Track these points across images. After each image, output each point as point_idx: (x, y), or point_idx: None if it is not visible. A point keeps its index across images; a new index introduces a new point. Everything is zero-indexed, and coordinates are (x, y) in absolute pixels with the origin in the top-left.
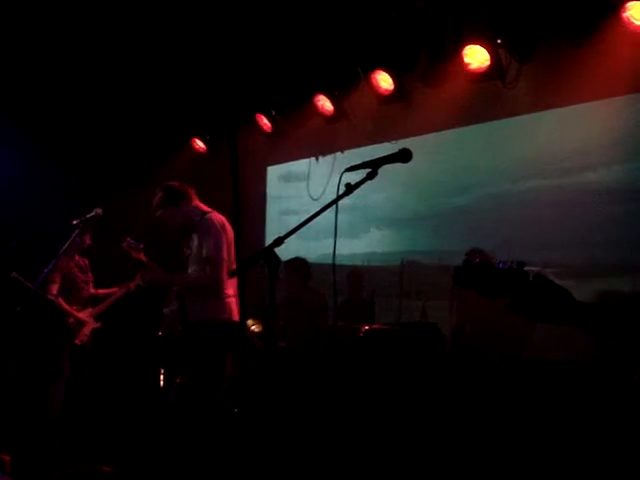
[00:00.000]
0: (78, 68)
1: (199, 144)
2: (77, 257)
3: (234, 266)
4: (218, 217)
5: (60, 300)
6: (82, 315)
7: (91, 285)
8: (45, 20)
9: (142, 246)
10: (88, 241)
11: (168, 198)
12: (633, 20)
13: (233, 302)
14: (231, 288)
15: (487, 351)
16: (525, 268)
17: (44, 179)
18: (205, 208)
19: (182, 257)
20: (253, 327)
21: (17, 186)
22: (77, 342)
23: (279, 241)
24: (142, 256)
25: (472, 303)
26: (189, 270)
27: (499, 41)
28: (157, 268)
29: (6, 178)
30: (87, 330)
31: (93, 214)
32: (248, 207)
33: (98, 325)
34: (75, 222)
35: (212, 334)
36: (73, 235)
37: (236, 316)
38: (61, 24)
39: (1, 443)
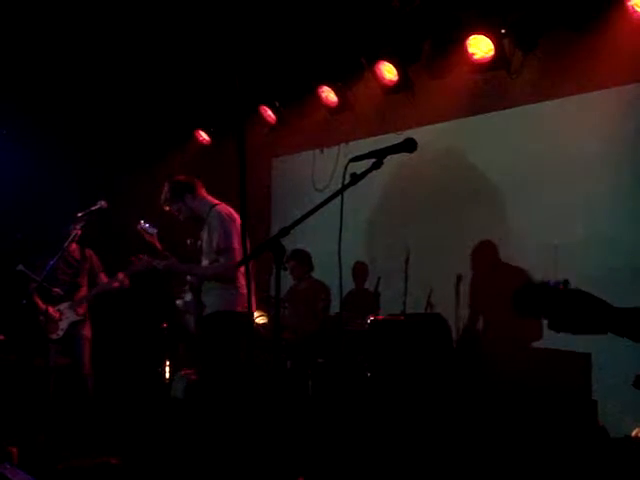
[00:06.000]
0: (83, 61)
1: (203, 136)
2: (73, 247)
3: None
4: (226, 208)
5: (35, 296)
6: (52, 310)
7: (82, 277)
8: (50, 11)
9: (156, 231)
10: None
11: (173, 192)
12: (638, 9)
13: (245, 293)
14: (243, 278)
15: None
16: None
17: (49, 172)
18: (213, 200)
19: (186, 250)
20: (259, 319)
21: (21, 179)
22: (53, 337)
23: (285, 231)
24: (155, 241)
25: (483, 299)
26: (202, 263)
27: (503, 31)
28: (171, 256)
29: (10, 171)
30: (63, 324)
31: (97, 206)
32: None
33: (78, 318)
34: (80, 214)
35: (229, 326)
36: (77, 228)
37: (252, 307)
38: (66, 15)
39: (9, 435)
